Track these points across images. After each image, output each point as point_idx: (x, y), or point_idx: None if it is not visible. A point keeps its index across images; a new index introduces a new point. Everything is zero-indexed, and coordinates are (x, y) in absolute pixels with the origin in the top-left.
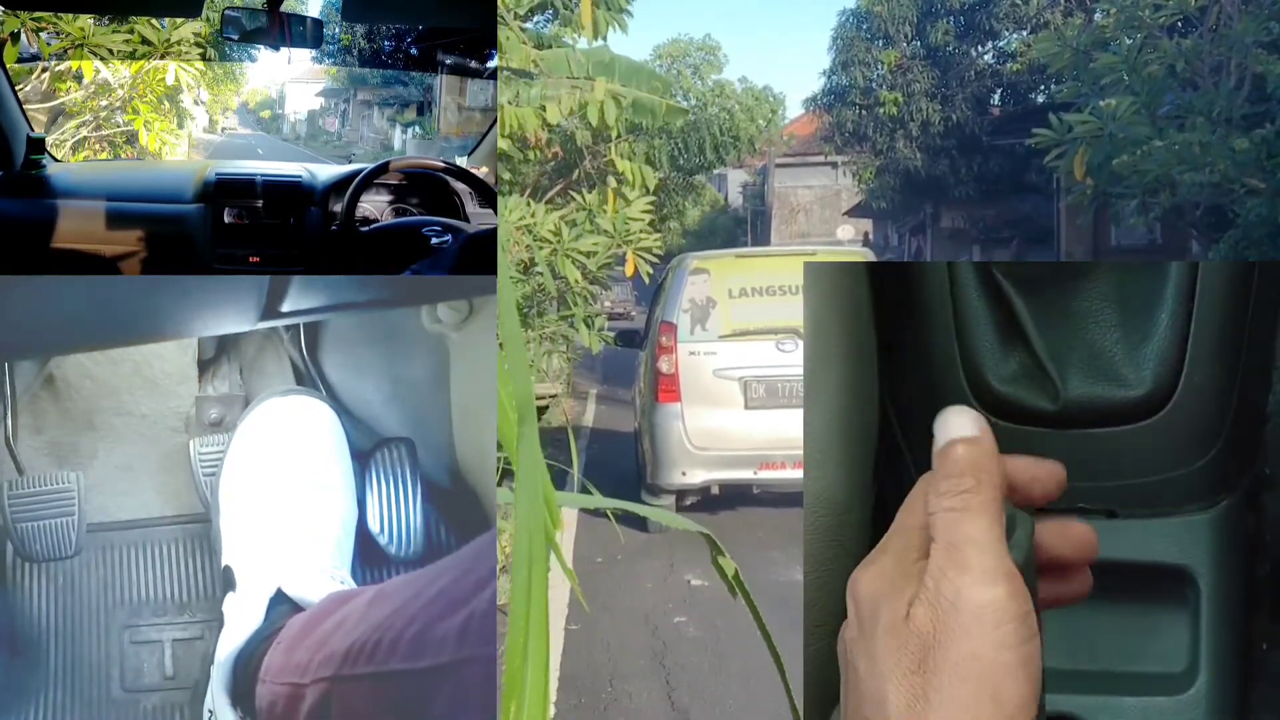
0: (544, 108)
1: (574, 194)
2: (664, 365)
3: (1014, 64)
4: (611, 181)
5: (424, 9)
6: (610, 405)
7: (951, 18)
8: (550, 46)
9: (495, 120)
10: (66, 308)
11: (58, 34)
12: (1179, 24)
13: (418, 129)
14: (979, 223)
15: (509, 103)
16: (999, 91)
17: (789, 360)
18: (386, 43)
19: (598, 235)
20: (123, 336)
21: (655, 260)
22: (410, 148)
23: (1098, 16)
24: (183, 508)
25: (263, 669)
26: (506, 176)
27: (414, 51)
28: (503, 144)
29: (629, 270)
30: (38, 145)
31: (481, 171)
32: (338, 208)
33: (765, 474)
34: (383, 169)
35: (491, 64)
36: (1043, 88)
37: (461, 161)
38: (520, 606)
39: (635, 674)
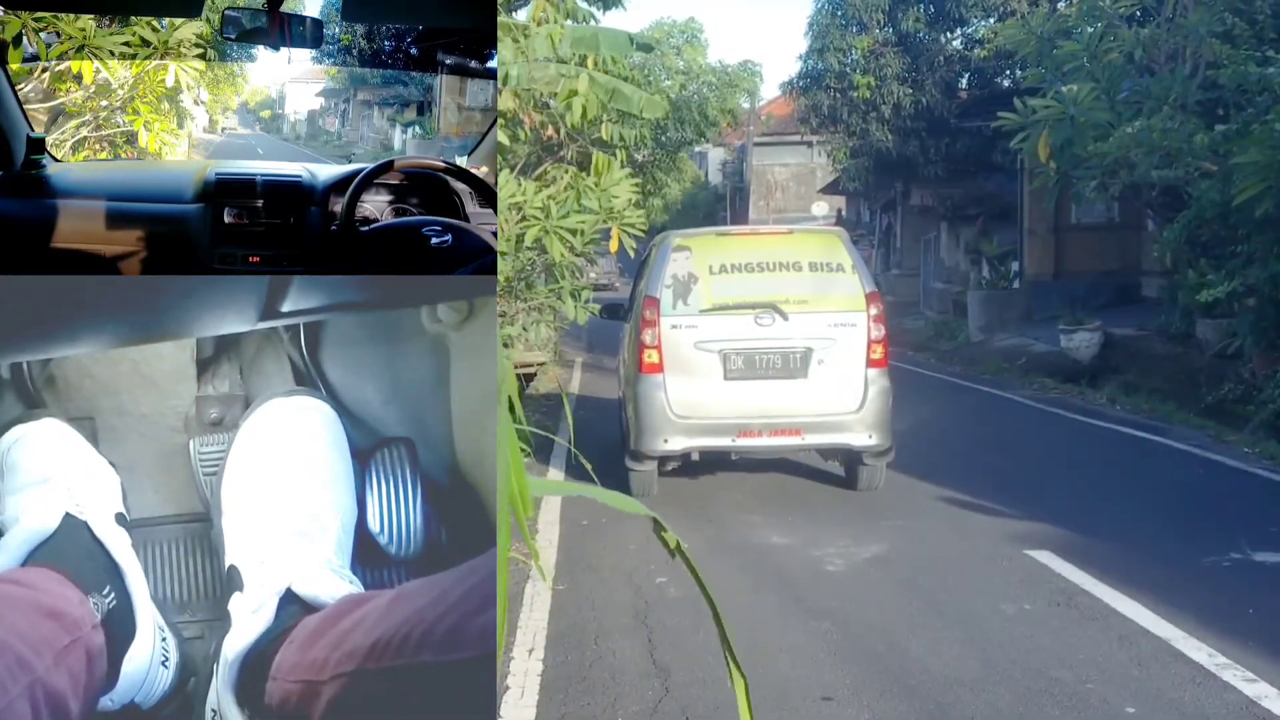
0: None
1: (556, 170)
2: (647, 338)
3: (981, 50)
4: (597, 154)
5: (424, 9)
6: (595, 372)
7: (923, 5)
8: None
9: (495, 120)
10: (66, 308)
11: (58, 35)
12: (1138, 14)
13: (418, 129)
14: (947, 200)
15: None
16: (967, 76)
17: (766, 334)
18: (386, 43)
19: (584, 213)
20: (123, 336)
21: (639, 236)
22: (410, 148)
23: (1061, 5)
24: (183, 507)
25: (274, 667)
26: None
27: (414, 51)
28: (501, 136)
29: (613, 246)
30: (38, 145)
31: (481, 171)
32: (338, 208)
33: (743, 441)
34: (383, 169)
35: (492, 64)
36: (1008, 73)
37: (461, 161)
38: None
39: (619, 632)
